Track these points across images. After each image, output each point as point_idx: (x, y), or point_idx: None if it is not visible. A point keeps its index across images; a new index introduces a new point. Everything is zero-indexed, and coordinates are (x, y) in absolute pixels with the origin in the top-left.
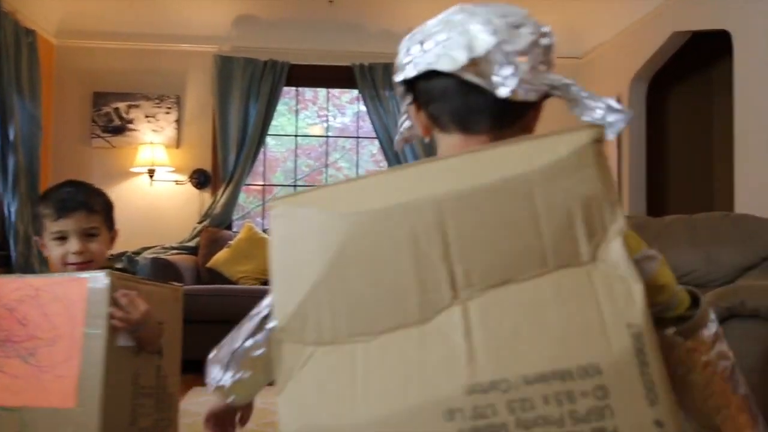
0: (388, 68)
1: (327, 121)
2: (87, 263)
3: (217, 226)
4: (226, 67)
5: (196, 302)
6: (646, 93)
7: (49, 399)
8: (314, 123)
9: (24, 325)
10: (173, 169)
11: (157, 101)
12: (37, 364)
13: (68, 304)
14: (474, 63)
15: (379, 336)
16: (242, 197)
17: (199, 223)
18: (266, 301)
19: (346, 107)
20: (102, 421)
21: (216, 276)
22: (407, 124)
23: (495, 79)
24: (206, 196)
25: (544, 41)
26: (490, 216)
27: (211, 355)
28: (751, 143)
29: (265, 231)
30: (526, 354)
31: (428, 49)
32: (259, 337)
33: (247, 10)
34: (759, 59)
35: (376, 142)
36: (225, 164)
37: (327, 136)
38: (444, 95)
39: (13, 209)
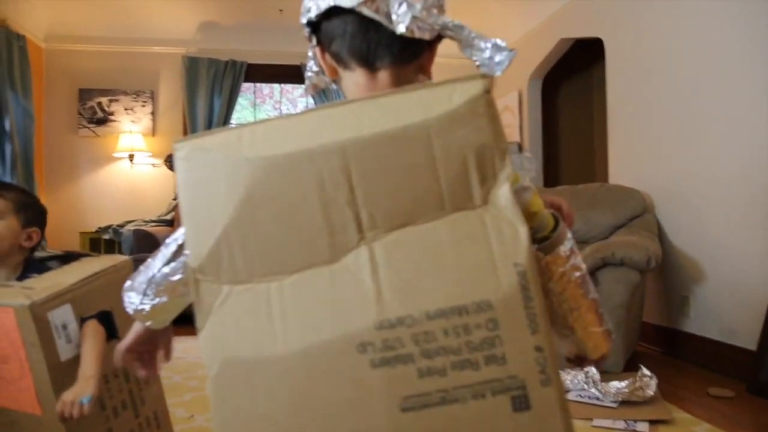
0: None
1: (281, 112)
2: None
3: None
4: (192, 66)
5: None
6: (541, 89)
7: (24, 406)
8: (271, 114)
9: None
10: (150, 154)
11: (134, 96)
12: (2, 377)
13: (6, 330)
14: (365, 1)
15: (291, 275)
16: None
17: (174, 199)
18: (182, 229)
19: (297, 100)
20: (66, 427)
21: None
22: (315, 69)
23: (392, 17)
24: None
25: None
26: (391, 162)
27: (127, 284)
28: (621, 128)
29: None
30: (428, 292)
31: None
32: (176, 263)
33: (210, 16)
34: (626, 62)
35: None
36: None
37: None
38: (344, 32)
39: None
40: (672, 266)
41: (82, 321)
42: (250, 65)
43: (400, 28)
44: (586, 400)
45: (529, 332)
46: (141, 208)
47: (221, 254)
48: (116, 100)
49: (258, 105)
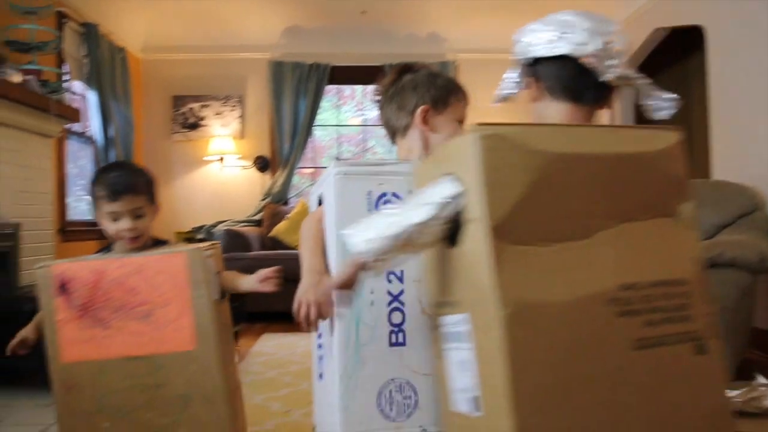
0: None
1: (364, 113)
2: (137, 238)
3: (276, 203)
4: (278, 70)
5: (262, 265)
6: None
7: (172, 346)
8: (353, 115)
9: (135, 294)
10: (239, 156)
11: (223, 101)
12: (155, 322)
13: (172, 274)
14: (590, 53)
15: (558, 243)
16: (296, 178)
17: (262, 200)
18: (433, 199)
19: None
20: (219, 354)
21: (277, 243)
22: (508, 92)
23: (603, 68)
24: (267, 178)
25: (626, 46)
26: (631, 175)
27: (371, 232)
28: (726, 121)
29: None
30: (647, 267)
31: (552, 40)
32: (426, 225)
33: (294, 21)
34: (730, 50)
35: None
36: (281, 151)
37: (364, 125)
38: (562, 74)
39: None
40: None
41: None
42: (333, 68)
43: (607, 76)
44: None
45: (705, 303)
46: (230, 209)
47: (514, 221)
48: (207, 106)
49: (340, 107)
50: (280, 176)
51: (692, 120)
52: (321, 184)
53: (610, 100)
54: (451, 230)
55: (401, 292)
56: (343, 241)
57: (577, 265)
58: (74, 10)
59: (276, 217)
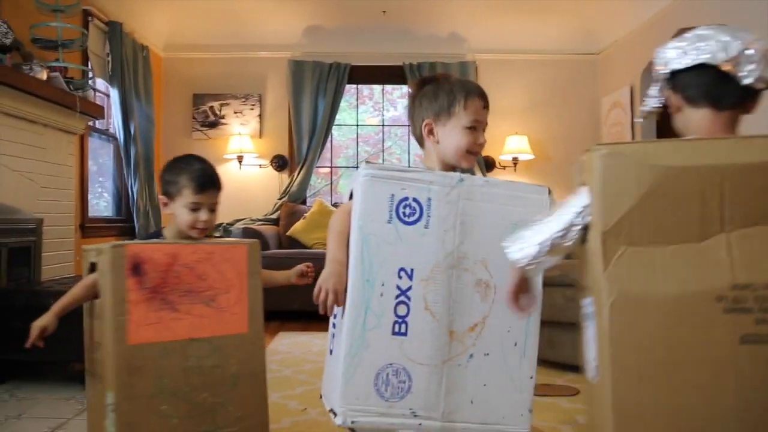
0: (434, 66)
1: (382, 113)
2: (205, 229)
3: (294, 202)
4: (298, 69)
5: (278, 264)
6: None
7: (229, 328)
8: (371, 115)
9: (203, 280)
10: (257, 155)
11: (243, 100)
12: (217, 306)
13: (235, 262)
14: (727, 59)
15: (669, 245)
16: (313, 178)
17: (280, 199)
18: (572, 208)
19: (397, 102)
20: (262, 338)
21: (294, 242)
22: (650, 107)
23: (741, 72)
24: (284, 177)
25: (764, 51)
26: (758, 182)
27: (526, 245)
28: (752, 124)
29: (335, 205)
30: (765, 270)
31: (690, 52)
32: (569, 231)
33: (314, 21)
34: None
35: None
36: (299, 150)
37: (382, 125)
38: (701, 81)
39: (135, 189)
40: None
41: None
42: (353, 67)
43: (747, 81)
44: None
45: None
46: (248, 208)
47: (623, 225)
48: (227, 104)
49: (359, 106)
50: (298, 175)
51: None
52: (354, 180)
53: (752, 105)
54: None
55: (409, 288)
56: (363, 234)
57: (688, 265)
58: (99, 9)
59: (293, 216)
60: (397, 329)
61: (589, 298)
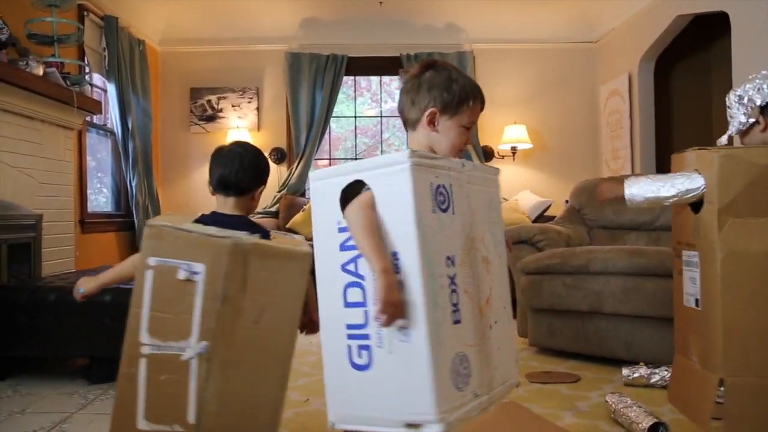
0: (431, 56)
1: (380, 105)
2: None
3: (293, 194)
4: (295, 62)
5: None
6: (653, 71)
7: None
8: (369, 107)
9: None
10: None
11: (240, 93)
12: None
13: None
14: None
15: (762, 218)
16: (312, 170)
17: (279, 192)
18: (684, 184)
19: (395, 93)
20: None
21: (294, 234)
22: (737, 128)
23: None
24: (283, 169)
25: None
26: None
27: (633, 183)
28: None
29: None
30: None
31: None
32: (676, 198)
33: (311, 13)
34: (755, 37)
35: None
36: (297, 143)
37: (380, 116)
38: None
39: (134, 184)
40: None
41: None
42: (350, 59)
43: None
44: None
45: None
46: None
47: (732, 204)
48: (224, 98)
49: (357, 98)
50: (297, 168)
51: (712, 109)
52: (362, 171)
53: None
54: (696, 204)
55: (455, 275)
56: (421, 227)
57: None
58: (94, 3)
59: (292, 209)
60: (455, 318)
61: (695, 252)
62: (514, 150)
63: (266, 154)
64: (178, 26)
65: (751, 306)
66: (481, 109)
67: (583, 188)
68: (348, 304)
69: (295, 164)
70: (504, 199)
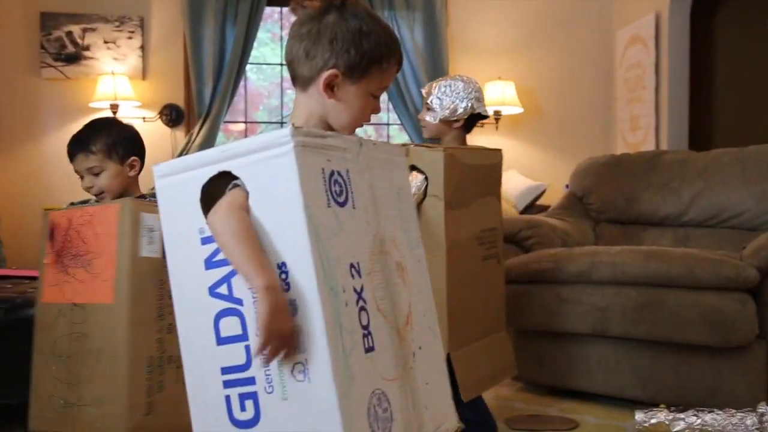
0: None
1: None
2: (99, 194)
3: None
4: None
5: None
6: (689, 12)
7: (99, 297)
8: None
9: (85, 243)
10: (140, 104)
11: (117, 24)
12: (92, 272)
13: (108, 225)
14: None
15: None
16: (221, 137)
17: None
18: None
19: None
20: (131, 312)
21: None
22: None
23: None
24: (180, 135)
25: None
26: None
27: None
28: None
29: None
30: None
31: None
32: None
33: None
34: None
35: None
36: (200, 99)
37: None
38: None
39: None
40: None
41: None
42: None
43: None
44: None
45: None
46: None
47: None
48: (92, 30)
49: (284, 38)
50: (199, 133)
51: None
52: (229, 159)
53: None
54: None
55: (362, 288)
56: (314, 227)
57: None
58: None
59: None
60: (367, 345)
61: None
62: (497, 115)
63: (156, 114)
64: None
65: (465, 287)
66: (397, 70)
67: (588, 169)
68: (222, 340)
69: (197, 128)
70: None
